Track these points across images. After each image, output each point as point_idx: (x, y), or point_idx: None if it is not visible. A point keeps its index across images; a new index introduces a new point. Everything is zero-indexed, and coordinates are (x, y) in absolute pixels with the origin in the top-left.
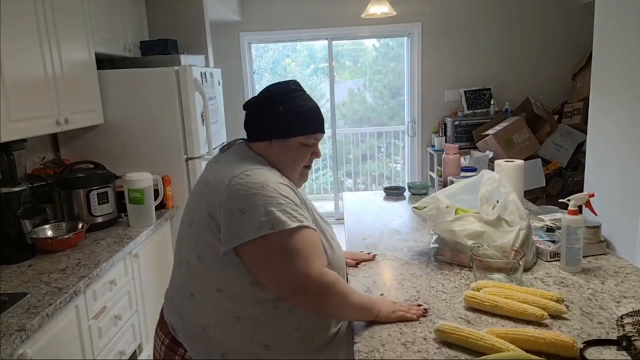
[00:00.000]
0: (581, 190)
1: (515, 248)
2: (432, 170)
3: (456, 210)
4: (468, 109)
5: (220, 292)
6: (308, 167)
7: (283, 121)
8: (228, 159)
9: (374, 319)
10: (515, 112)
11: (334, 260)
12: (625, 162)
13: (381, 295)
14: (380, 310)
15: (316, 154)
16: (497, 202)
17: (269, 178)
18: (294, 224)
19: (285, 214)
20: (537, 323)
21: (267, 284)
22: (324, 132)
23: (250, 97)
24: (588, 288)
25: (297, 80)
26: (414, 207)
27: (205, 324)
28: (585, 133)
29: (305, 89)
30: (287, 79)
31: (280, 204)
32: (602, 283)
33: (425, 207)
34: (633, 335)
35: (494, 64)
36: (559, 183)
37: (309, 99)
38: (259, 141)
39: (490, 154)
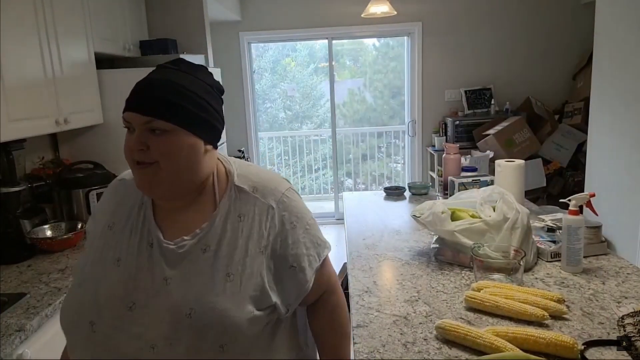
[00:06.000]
0: (582, 190)
1: (515, 248)
2: (433, 170)
3: (453, 212)
4: (468, 109)
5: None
6: (138, 163)
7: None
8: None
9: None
10: (516, 112)
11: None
12: (626, 162)
13: None
14: None
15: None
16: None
17: None
18: None
19: None
20: (538, 323)
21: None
22: (133, 112)
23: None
24: (589, 288)
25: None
26: (414, 215)
27: None
28: (586, 133)
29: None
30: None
31: None
32: (603, 283)
33: (422, 215)
34: (634, 336)
35: (494, 64)
36: (559, 183)
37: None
38: None
39: (490, 154)
